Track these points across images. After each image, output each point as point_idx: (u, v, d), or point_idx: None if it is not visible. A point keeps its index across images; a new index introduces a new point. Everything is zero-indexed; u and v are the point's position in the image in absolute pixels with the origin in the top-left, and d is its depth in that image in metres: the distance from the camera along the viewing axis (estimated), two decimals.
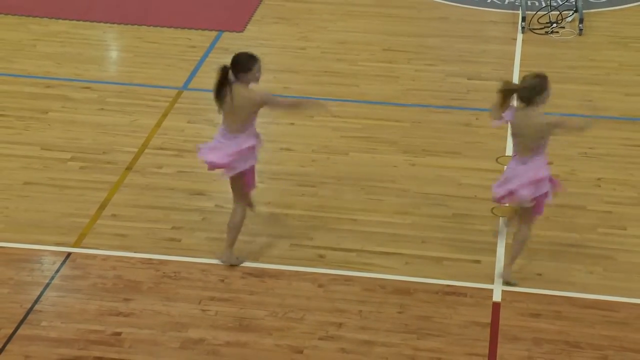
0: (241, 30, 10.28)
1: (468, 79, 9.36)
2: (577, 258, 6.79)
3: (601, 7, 10.84)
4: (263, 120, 8.58)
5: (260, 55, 6.33)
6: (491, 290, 6.50)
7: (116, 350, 6.01)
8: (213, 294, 6.48)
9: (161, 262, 6.79)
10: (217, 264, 6.76)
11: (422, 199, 7.50)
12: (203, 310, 6.33)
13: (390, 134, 8.39)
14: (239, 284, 6.57)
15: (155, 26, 10.41)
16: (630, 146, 8.16)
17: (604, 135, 8.32)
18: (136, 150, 8.11)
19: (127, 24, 10.47)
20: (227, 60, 6.27)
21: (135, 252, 6.88)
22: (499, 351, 6.01)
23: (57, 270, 6.69)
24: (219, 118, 6.48)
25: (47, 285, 6.55)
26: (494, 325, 6.23)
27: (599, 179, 7.77)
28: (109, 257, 6.84)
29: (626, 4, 10.94)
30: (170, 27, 10.38)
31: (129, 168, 7.87)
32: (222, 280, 6.60)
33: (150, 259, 6.81)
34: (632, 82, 9.30)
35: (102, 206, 7.38)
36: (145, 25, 10.44)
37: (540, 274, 6.67)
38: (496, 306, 6.39)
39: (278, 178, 7.78)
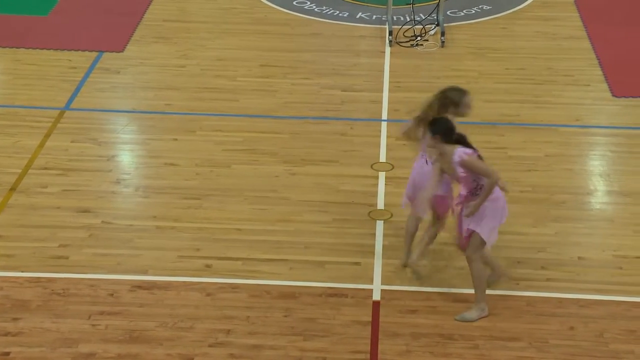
0: (121, 50, 10.23)
1: (342, 91, 9.60)
2: (451, 256, 7.04)
3: (460, 21, 11.24)
4: (146, 137, 8.72)
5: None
6: (371, 290, 6.73)
7: None
8: (103, 309, 6.50)
9: (49, 279, 6.77)
10: (105, 279, 6.79)
11: (303, 207, 7.69)
12: (93, 325, 6.35)
13: (270, 145, 8.56)
14: (129, 297, 6.61)
15: (35, 48, 10.32)
16: (492, 149, 8.45)
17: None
18: (20, 170, 8.05)
19: (4, 47, 10.36)
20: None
21: (22, 272, 6.84)
22: (380, 347, 6.22)
23: None
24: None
25: None
26: (375, 323, 6.44)
27: None
28: None
29: (481, 17, 11.42)
30: (50, 49, 10.30)
31: (13, 189, 7.81)
32: (112, 295, 6.63)
33: (38, 278, 6.78)
34: (491, 89, 9.66)
35: None
36: (23, 47, 10.35)
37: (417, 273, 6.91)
38: (376, 305, 6.60)
39: (163, 192, 7.84)
